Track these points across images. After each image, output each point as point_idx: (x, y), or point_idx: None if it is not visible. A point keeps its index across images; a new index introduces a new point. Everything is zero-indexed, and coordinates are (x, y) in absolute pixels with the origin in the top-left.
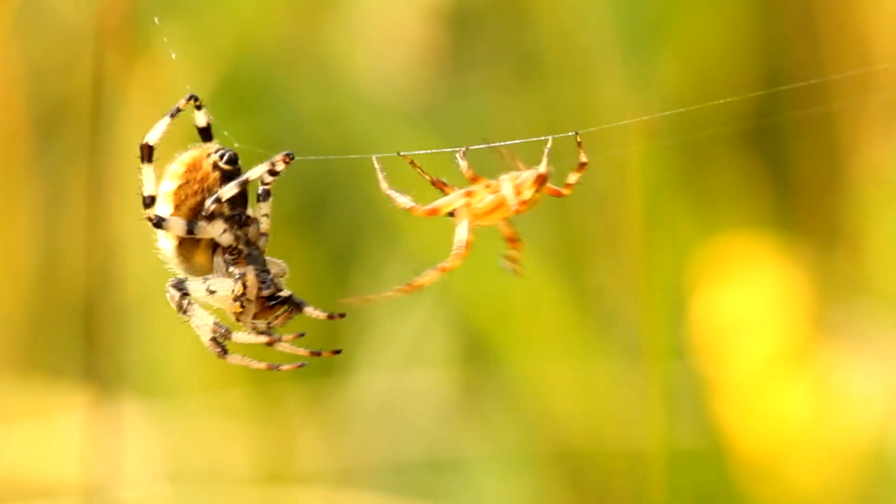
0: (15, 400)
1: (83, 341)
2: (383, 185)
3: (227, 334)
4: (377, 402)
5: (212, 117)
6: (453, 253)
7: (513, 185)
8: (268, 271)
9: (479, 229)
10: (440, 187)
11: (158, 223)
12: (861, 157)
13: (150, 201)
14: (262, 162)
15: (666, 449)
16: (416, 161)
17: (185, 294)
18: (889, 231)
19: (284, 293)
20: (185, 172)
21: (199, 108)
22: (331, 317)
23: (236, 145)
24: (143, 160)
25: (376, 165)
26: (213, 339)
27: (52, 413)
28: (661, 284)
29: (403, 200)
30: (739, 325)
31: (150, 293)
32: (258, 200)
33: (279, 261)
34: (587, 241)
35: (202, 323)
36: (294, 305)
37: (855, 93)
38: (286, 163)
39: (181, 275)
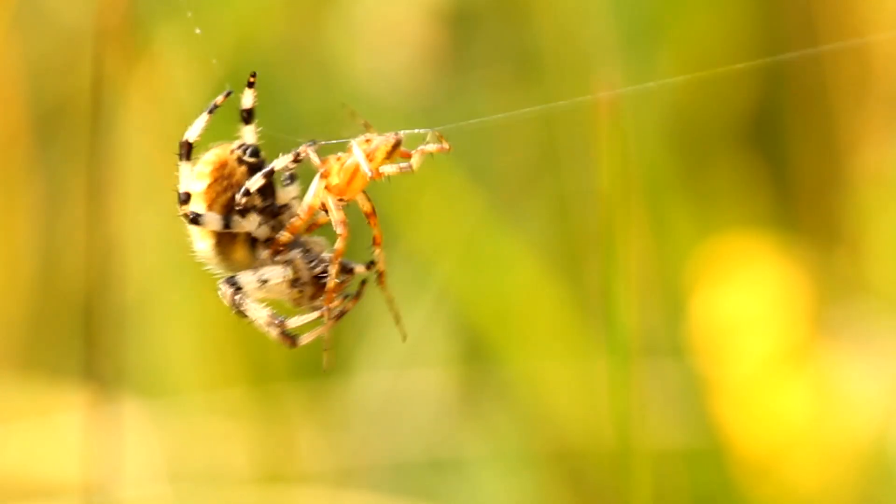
0: (14, 399)
1: (83, 341)
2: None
3: (283, 323)
4: (377, 402)
5: (256, 101)
6: (339, 232)
7: (364, 151)
8: (311, 250)
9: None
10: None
11: (195, 219)
12: (861, 157)
13: (185, 198)
14: (284, 153)
15: (666, 449)
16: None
17: (237, 290)
18: (889, 231)
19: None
20: (213, 171)
21: (251, 85)
22: (368, 267)
23: (261, 129)
24: (181, 157)
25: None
26: (282, 334)
27: (52, 413)
28: (660, 284)
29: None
30: (739, 324)
31: (150, 293)
32: (284, 185)
33: (317, 238)
34: (587, 241)
35: (258, 316)
36: (347, 272)
37: (854, 91)
38: (308, 149)
39: (222, 273)
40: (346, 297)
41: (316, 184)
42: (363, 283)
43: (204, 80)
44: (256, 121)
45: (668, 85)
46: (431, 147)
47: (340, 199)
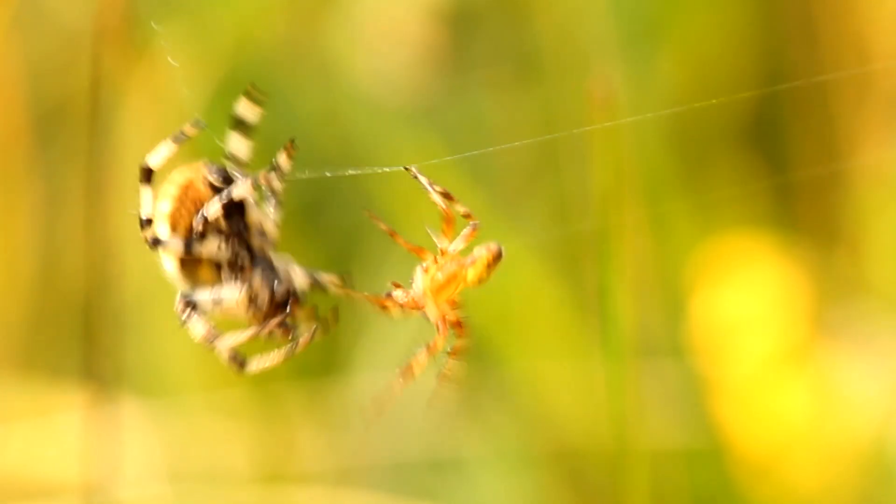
0: (14, 399)
1: (82, 341)
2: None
3: (215, 337)
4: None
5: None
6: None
7: (470, 264)
8: (275, 271)
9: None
10: (448, 198)
11: (156, 244)
12: (861, 157)
13: (146, 223)
14: (245, 178)
15: (666, 449)
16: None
17: (189, 305)
18: (889, 231)
19: (296, 288)
20: (180, 193)
21: (201, 125)
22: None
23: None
24: (142, 181)
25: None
26: (232, 358)
27: (52, 413)
28: (660, 284)
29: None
30: (739, 324)
31: (149, 293)
32: (268, 199)
33: (282, 254)
34: (587, 241)
35: (196, 334)
36: (314, 284)
37: (854, 91)
38: (268, 172)
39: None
40: (314, 330)
41: (420, 281)
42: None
43: (204, 81)
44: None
45: (668, 85)
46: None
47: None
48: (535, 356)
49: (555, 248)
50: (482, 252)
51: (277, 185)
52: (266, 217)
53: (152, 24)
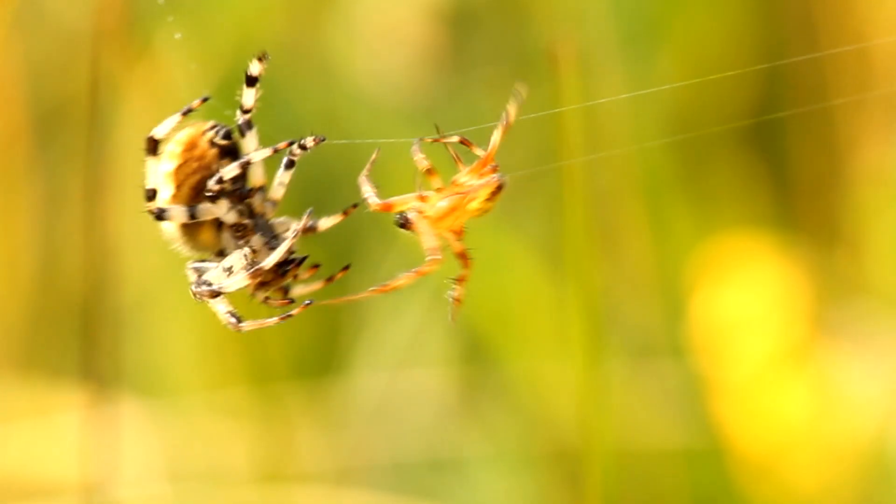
0: (14, 399)
1: (82, 340)
2: (363, 173)
3: (237, 324)
4: (376, 402)
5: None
6: (428, 259)
7: (466, 192)
8: (276, 237)
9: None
10: (467, 144)
11: (160, 216)
12: (861, 157)
13: (151, 195)
14: (267, 146)
15: (666, 449)
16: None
17: (211, 286)
18: (889, 231)
19: (297, 253)
20: (183, 152)
21: (261, 59)
22: (345, 213)
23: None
24: (147, 153)
25: (373, 156)
26: (229, 313)
27: (51, 412)
28: (660, 284)
29: (365, 190)
30: (739, 324)
31: (149, 293)
32: (281, 168)
33: (283, 219)
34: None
35: (216, 309)
36: (308, 230)
37: (854, 91)
38: (287, 146)
39: (188, 254)
40: (308, 303)
41: (410, 197)
42: (346, 267)
43: (203, 81)
44: (259, 93)
45: (668, 86)
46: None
47: (433, 229)
48: (535, 356)
49: (555, 248)
50: (483, 182)
51: (298, 153)
52: (273, 180)
53: (169, 18)
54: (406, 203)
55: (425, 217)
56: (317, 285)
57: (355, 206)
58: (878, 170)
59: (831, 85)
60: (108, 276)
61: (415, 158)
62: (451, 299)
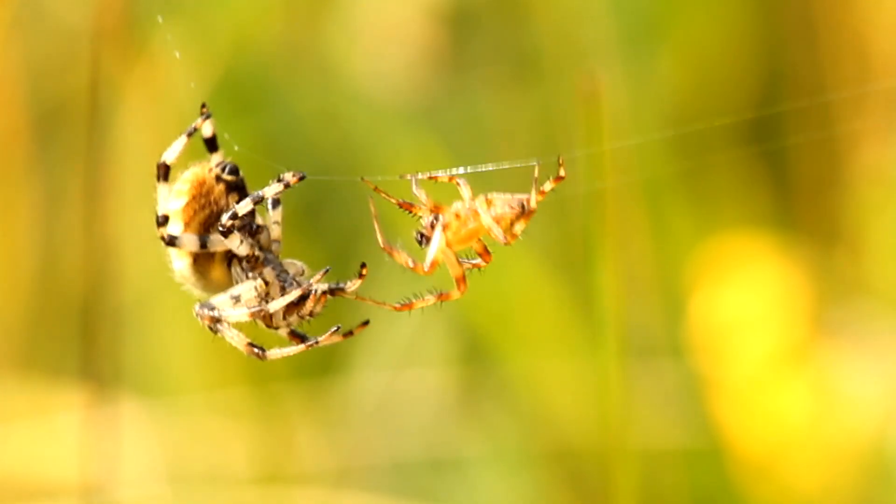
0: (13, 399)
1: (81, 341)
2: (381, 243)
3: (261, 354)
4: (376, 402)
5: (216, 129)
6: (458, 287)
7: (494, 218)
8: (286, 272)
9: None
10: (407, 208)
11: (171, 241)
12: (861, 157)
13: (163, 220)
14: (273, 180)
15: (666, 449)
16: (379, 186)
17: (213, 310)
18: (889, 231)
19: (309, 287)
20: (191, 189)
21: (207, 117)
22: (360, 276)
23: (236, 148)
24: (158, 178)
25: (375, 222)
26: (249, 345)
27: (51, 412)
28: (660, 284)
29: (401, 259)
30: (739, 324)
31: (149, 293)
32: (269, 208)
33: (296, 261)
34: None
35: (233, 336)
36: (332, 292)
37: (854, 91)
38: (298, 180)
39: (200, 294)
40: (335, 330)
41: (439, 237)
42: (365, 323)
43: (203, 81)
44: (230, 140)
45: (669, 85)
46: (548, 186)
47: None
48: (535, 356)
49: (555, 248)
50: (505, 210)
51: (292, 183)
52: (275, 220)
53: (158, 18)
54: (440, 248)
55: (446, 232)
56: (338, 338)
57: (363, 266)
58: (878, 170)
59: (831, 85)
60: (108, 276)
61: (418, 197)
62: (431, 297)
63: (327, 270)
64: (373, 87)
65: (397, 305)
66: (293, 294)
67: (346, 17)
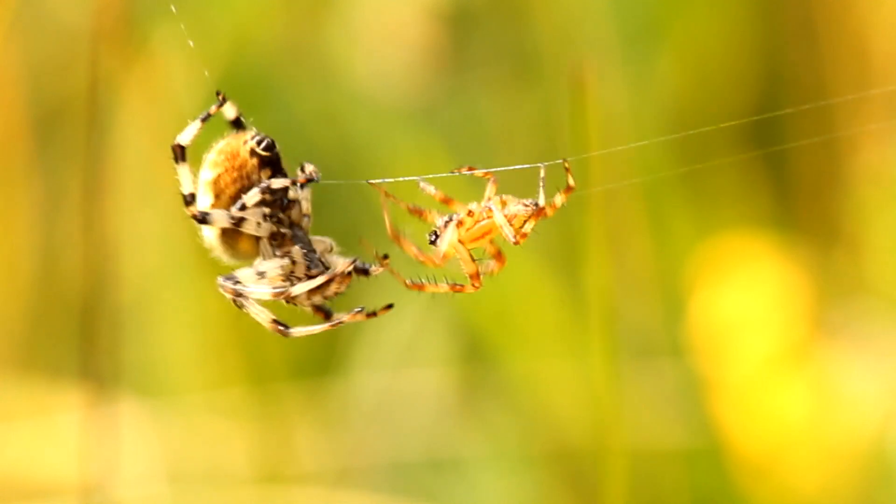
0: (13, 399)
1: (81, 340)
2: (390, 233)
3: (285, 331)
4: (375, 402)
5: (240, 110)
6: (471, 282)
7: (506, 217)
8: (314, 250)
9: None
10: (417, 214)
11: (203, 219)
12: (861, 157)
13: (190, 199)
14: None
15: (666, 449)
16: (388, 190)
17: (237, 284)
18: (889, 231)
19: (336, 268)
20: (224, 161)
21: (222, 103)
22: (383, 264)
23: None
24: (176, 160)
25: (385, 213)
26: (274, 322)
27: (50, 412)
28: (660, 284)
29: (411, 251)
30: (738, 324)
31: (148, 293)
32: (298, 188)
33: (324, 238)
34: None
35: (258, 311)
36: (357, 271)
37: (854, 91)
38: (306, 181)
39: (228, 262)
40: (359, 310)
41: (451, 232)
42: (390, 306)
43: (202, 80)
44: (252, 122)
45: (668, 85)
46: (560, 200)
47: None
48: (534, 356)
49: (555, 247)
50: (518, 208)
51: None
52: (304, 195)
53: (172, 8)
54: (453, 243)
55: (459, 229)
56: (361, 317)
57: (386, 257)
58: (878, 170)
59: (830, 85)
60: (108, 276)
61: (427, 192)
62: (445, 285)
63: (354, 261)
64: (373, 87)
65: (409, 283)
66: (318, 279)
67: (347, 17)
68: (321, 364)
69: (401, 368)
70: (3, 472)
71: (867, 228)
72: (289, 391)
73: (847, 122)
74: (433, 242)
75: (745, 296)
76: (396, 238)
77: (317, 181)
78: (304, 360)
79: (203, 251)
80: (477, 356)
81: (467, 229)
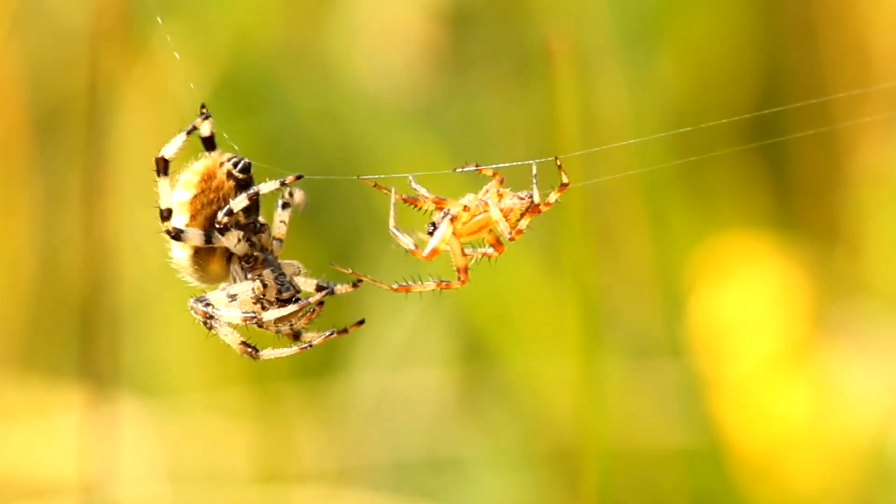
0: (13, 399)
1: (81, 340)
2: (391, 224)
3: (254, 353)
4: (375, 401)
5: (215, 129)
6: (459, 278)
7: (502, 212)
8: (284, 274)
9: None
10: (412, 203)
11: (176, 235)
12: (861, 157)
13: (167, 214)
14: (272, 178)
15: (666, 449)
16: (382, 183)
17: (208, 306)
18: (889, 231)
19: (305, 291)
20: (200, 182)
21: (206, 117)
22: (354, 285)
23: (236, 148)
24: (158, 173)
25: (392, 200)
26: (243, 344)
27: (50, 412)
28: (660, 284)
29: (404, 243)
30: (739, 324)
31: (148, 293)
32: (279, 209)
33: (293, 261)
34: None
35: (227, 333)
36: (324, 290)
37: (854, 90)
38: (295, 179)
39: (196, 284)
40: (329, 333)
41: (444, 229)
42: (361, 322)
43: (203, 80)
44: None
45: (669, 85)
46: (553, 197)
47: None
48: (534, 356)
49: (555, 247)
50: (514, 201)
51: (299, 195)
52: (281, 219)
53: (157, 19)
54: (445, 239)
55: (454, 224)
56: (332, 335)
57: (360, 282)
58: (878, 170)
59: (830, 86)
60: (108, 276)
61: (418, 193)
62: (431, 283)
63: (326, 290)
64: (373, 87)
65: (395, 287)
66: (290, 307)
67: (347, 16)
68: (321, 364)
69: (401, 368)
70: (3, 472)
71: (867, 228)
72: (289, 391)
73: (847, 121)
74: (431, 234)
75: (745, 295)
76: (396, 231)
77: (300, 177)
78: (304, 360)
79: None
80: (476, 356)
81: (463, 223)
